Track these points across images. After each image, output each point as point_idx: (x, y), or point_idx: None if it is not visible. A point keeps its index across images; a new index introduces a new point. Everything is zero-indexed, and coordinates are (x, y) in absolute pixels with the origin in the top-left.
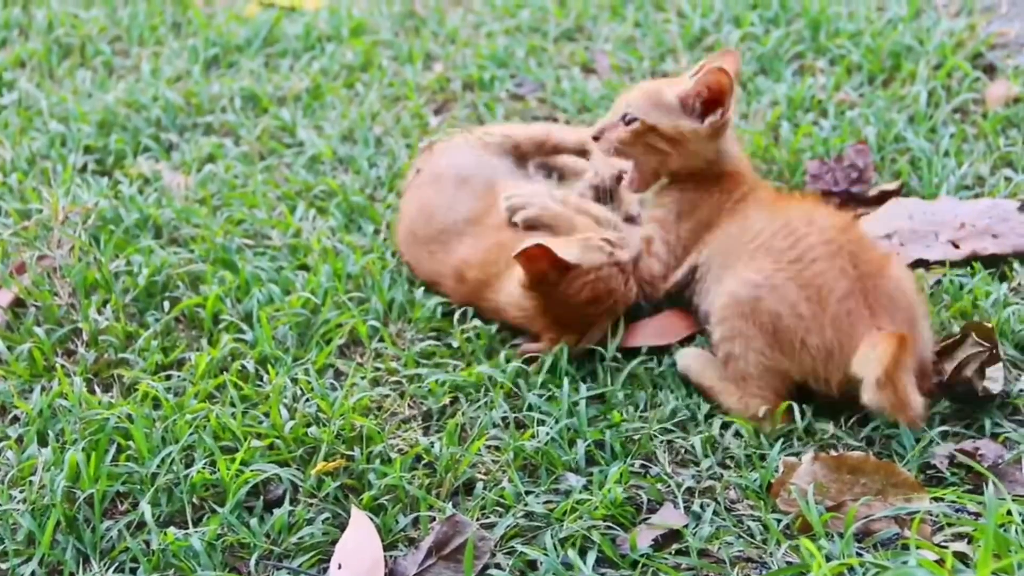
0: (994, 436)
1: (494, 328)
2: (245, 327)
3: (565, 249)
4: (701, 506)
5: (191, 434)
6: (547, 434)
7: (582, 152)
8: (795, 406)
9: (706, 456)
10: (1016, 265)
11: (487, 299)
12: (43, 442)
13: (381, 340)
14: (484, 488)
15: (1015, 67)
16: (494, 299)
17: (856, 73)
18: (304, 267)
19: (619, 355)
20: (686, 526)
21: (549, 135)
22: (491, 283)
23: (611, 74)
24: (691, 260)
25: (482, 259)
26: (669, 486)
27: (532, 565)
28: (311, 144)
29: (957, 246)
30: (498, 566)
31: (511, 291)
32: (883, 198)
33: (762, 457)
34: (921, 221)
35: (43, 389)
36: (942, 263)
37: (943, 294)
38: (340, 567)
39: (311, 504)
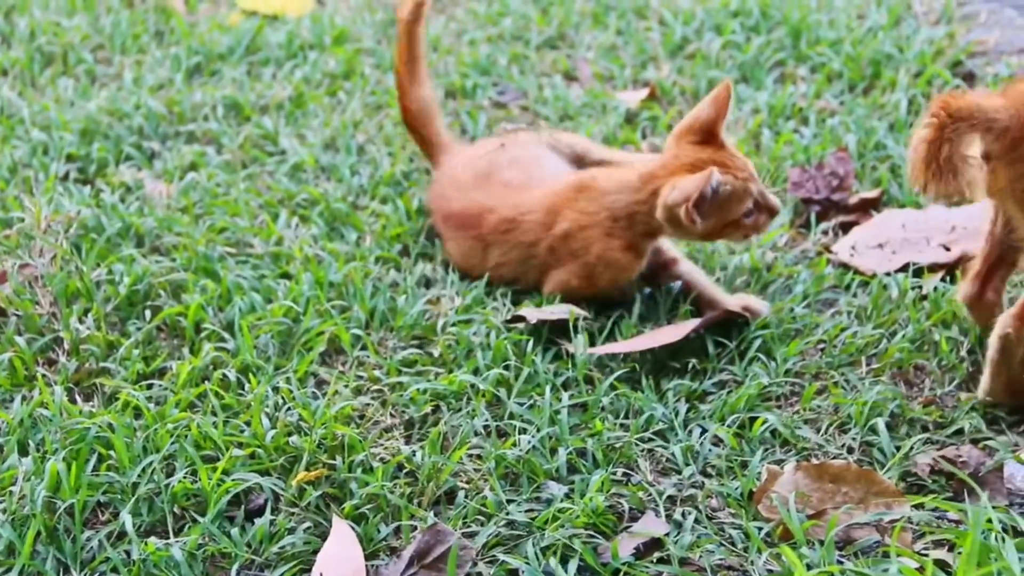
0: (974, 443)
1: (473, 332)
2: (227, 336)
3: None
4: (683, 514)
5: (172, 443)
6: (529, 442)
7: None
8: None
9: (687, 464)
10: None
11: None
12: (24, 452)
13: (363, 348)
14: (466, 497)
15: (994, 75)
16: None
17: (837, 81)
18: (286, 275)
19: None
20: (667, 534)
21: (588, 151)
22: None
23: (593, 82)
24: None
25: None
26: (651, 494)
27: (514, 574)
28: (293, 152)
29: (948, 249)
30: (480, 575)
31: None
32: (864, 206)
33: (743, 465)
34: (914, 230)
35: (24, 398)
36: (933, 266)
37: (923, 302)
38: None
39: (292, 513)
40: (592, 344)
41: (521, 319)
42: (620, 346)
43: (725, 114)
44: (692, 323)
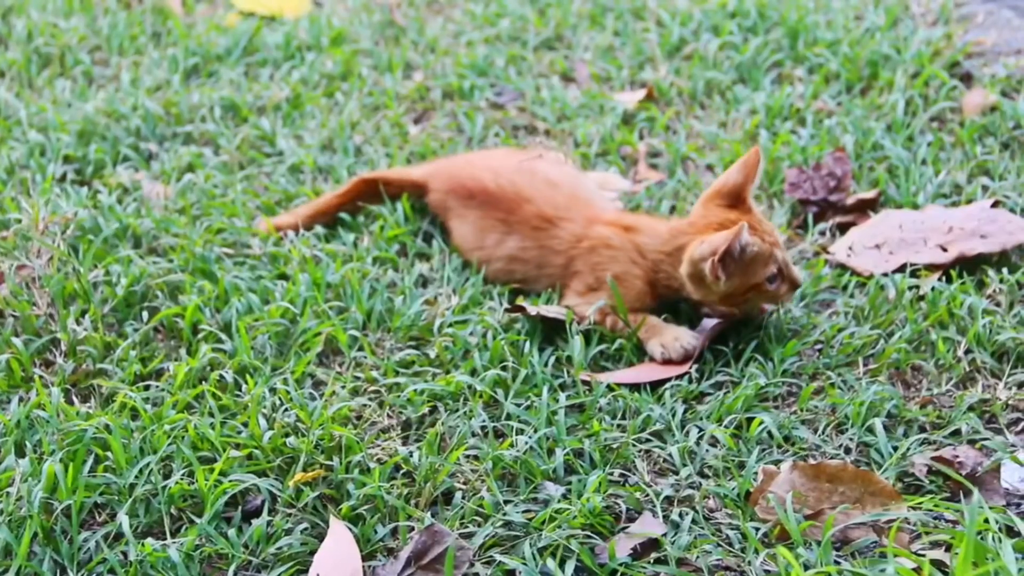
0: (971, 443)
1: (470, 332)
2: (224, 337)
3: None
4: (680, 515)
5: (169, 444)
6: (526, 443)
7: None
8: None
9: (684, 465)
10: (991, 272)
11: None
12: (20, 453)
13: (361, 349)
14: (463, 497)
15: (992, 76)
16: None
17: (834, 82)
18: (283, 276)
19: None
20: (665, 535)
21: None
22: (584, 267)
23: (590, 83)
24: None
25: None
26: (648, 495)
27: (511, 574)
28: (291, 153)
29: (945, 249)
30: None
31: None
32: (861, 206)
33: (740, 466)
34: (911, 230)
35: (21, 400)
36: (930, 267)
37: (920, 302)
38: None
39: (289, 514)
40: (588, 344)
41: (520, 309)
42: (626, 375)
43: (754, 179)
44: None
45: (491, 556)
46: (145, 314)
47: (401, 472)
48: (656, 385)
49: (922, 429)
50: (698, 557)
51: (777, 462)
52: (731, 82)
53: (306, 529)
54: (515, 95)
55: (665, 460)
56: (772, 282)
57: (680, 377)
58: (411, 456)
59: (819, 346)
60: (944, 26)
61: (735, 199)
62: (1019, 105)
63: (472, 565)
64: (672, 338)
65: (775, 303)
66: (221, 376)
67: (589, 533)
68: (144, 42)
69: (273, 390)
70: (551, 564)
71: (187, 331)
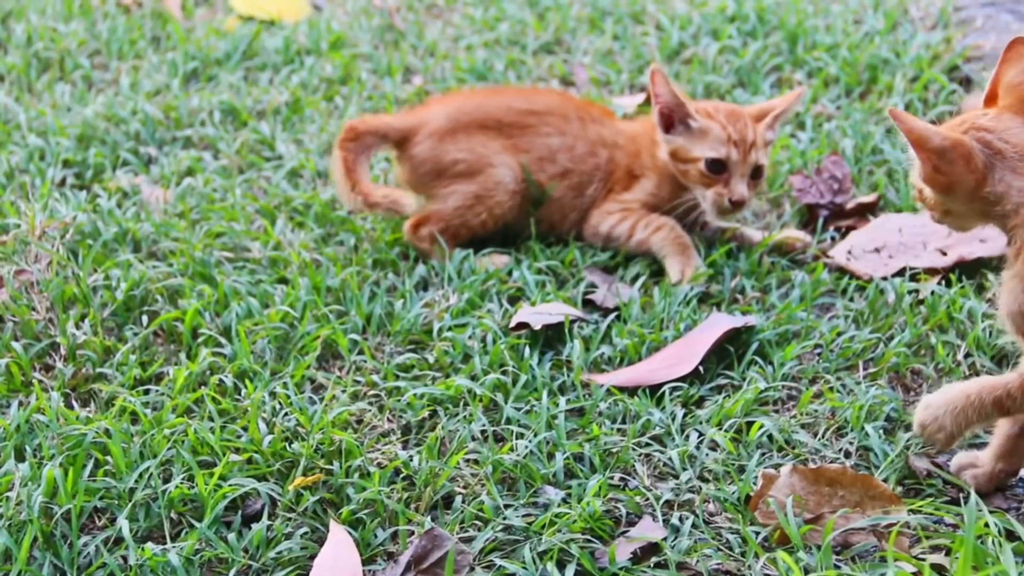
0: (971, 446)
1: (469, 336)
2: (224, 341)
3: None
4: (680, 519)
5: (169, 449)
6: (526, 447)
7: None
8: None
9: (684, 469)
10: (991, 276)
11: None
12: (20, 457)
13: (360, 353)
14: (463, 502)
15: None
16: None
17: (833, 86)
18: (283, 280)
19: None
20: (665, 539)
21: None
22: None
23: (590, 87)
24: None
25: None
26: (648, 499)
27: None
28: (290, 157)
29: (945, 253)
30: None
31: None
32: (861, 210)
33: (740, 470)
34: (910, 234)
35: (20, 404)
36: (930, 271)
37: (919, 306)
38: None
39: (289, 519)
40: (587, 349)
41: (524, 326)
42: (625, 377)
43: (789, 109)
44: (699, 352)
45: (491, 560)
46: (145, 318)
47: (401, 476)
48: (655, 389)
49: None
50: (698, 561)
51: (777, 466)
52: (730, 86)
53: (306, 533)
54: None
55: (665, 464)
56: (713, 171)
57: (681, 379)
58: (411, 460)
59: (819, 350)
60: (943, 30)
61: (761, 115)
62: None
63: (472, 569)
64: (693, 267)
65: (712, 201)
66: (221, 380)
67: (589, 537)
68: (143, 46)
69: (273, 394)
70: (551, 568)
71: (187, 335)
